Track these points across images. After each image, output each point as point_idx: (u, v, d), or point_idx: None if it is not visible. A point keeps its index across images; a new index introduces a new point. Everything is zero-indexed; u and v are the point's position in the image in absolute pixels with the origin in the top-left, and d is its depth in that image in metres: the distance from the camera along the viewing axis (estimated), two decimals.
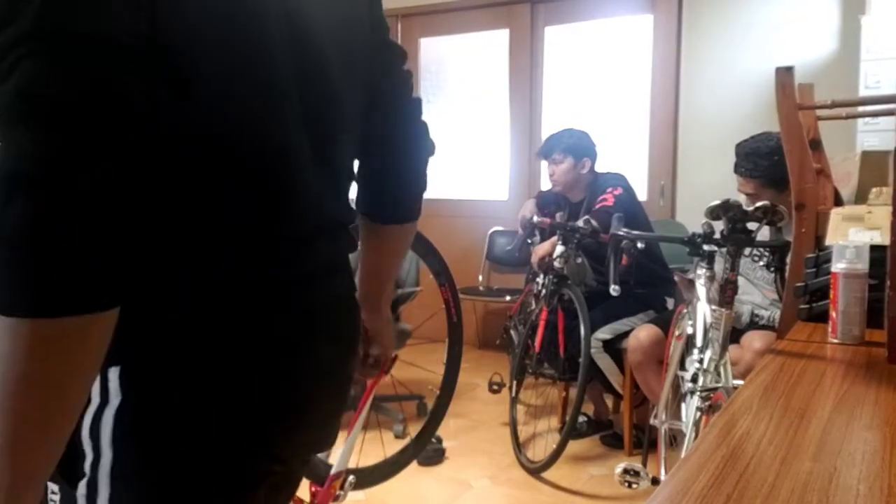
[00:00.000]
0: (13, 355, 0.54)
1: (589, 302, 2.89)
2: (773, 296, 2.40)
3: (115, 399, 0.68)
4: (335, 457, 1.80)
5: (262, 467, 0.77)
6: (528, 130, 4.78)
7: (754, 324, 2.35)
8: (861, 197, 1.78)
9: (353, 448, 1.73)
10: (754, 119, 3.96)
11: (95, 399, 0.68)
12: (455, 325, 2.13)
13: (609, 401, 3.40)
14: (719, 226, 1.92)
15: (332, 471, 1.82)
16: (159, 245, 0.65)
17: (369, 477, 1.90)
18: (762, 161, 2.43)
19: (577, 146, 3.13)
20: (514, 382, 3.11)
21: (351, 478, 1.83)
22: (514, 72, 4.81)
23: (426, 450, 2.95)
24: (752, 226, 1.87)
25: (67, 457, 0.61)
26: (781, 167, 1.78)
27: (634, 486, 1.89)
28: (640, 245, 2.03)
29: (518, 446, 2.96)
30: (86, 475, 0.69)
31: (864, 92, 3.24)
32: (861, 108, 2.74)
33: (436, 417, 2.21)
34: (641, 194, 3.90)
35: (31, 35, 0.53)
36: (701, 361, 1.75)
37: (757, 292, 2.47)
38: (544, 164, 3.33)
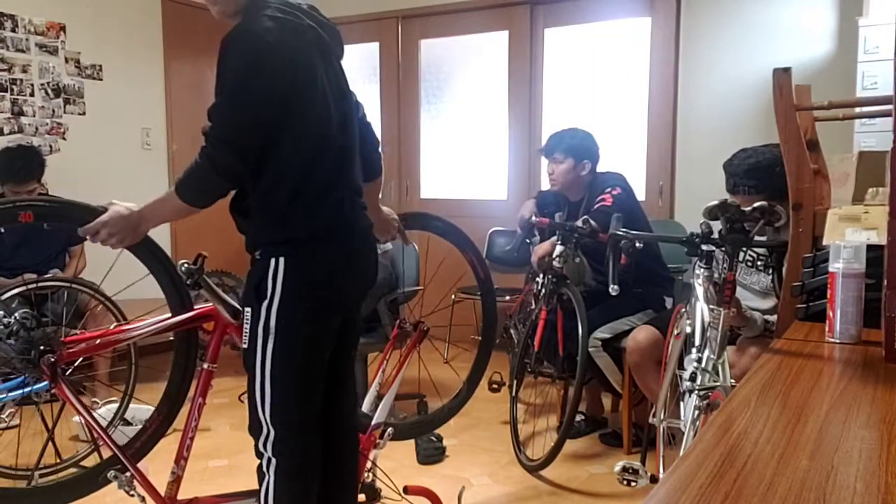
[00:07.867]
0: (174, 204, 1.63)
1: (588, 301, 2.90)
2: (763, 291, 2.40)
3: (280, 268, 1.61)
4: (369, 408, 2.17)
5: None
6: (528, 131, 4.79)
7: (768, 330, 2.32)
8: (858, 197, 1.80)
9: (391, 403, 2.17)
10: (752, 120, 3.98)
11: (271, 267, 1.61)
12: (483, 280, 2.49)
13: (608, 399, 3.41)
14: (717, 226, 1.93)
15: (373, 422, 2.16)
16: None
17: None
18: (765, 176, 2.29)
19: (578, 147, 3.12)
20: (514, 381, 3.12)
21: (389, 429, 2.20)
22: (513, 73, 4.82)
23: (426, 448, 2.96)
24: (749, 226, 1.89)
25: (257, 292, 1.61)
26: (784, 178, 1.76)
27: (633, 484, 1.90)
28: (638, 245, 2.04)
29: (518, 444, 2.97)
30: (266, 298, 1.61)
31: (861, 93, 3.26)
32: (858, 109, 2.75)
33: (481, 362, 2.53)
34: (640, 194, 3.91)
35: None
36: (699, 360, 1.76)
37: (749, 295, 2.46)
38: (544, 163, 3.33)
